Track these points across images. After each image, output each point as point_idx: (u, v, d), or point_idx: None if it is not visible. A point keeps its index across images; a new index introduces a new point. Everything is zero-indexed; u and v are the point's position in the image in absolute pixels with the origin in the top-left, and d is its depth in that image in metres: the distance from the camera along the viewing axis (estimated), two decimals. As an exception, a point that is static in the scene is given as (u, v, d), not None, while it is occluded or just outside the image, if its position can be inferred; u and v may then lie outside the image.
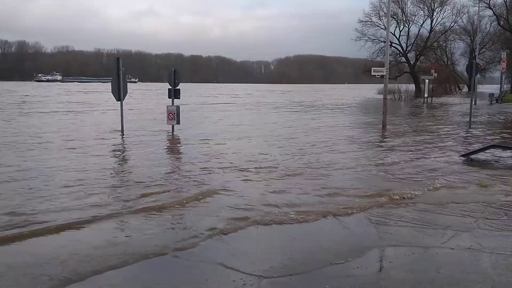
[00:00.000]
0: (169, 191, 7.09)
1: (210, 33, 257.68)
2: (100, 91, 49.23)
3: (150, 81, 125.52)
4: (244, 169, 8.92)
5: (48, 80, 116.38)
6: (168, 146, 12.79)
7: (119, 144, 12.62)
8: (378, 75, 17.35)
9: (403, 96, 44.45)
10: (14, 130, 15.23)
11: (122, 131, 14.48)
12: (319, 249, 4.82)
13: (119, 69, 13.91)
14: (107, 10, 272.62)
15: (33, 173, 8.25)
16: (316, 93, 61.50)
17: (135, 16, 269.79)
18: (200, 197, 6.69)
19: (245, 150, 11.51)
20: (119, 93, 14.06)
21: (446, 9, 51.69)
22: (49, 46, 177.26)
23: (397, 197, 6.81)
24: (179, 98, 14.95)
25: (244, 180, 8.02)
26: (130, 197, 6.67)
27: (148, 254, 4.54)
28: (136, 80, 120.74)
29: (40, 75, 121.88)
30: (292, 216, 5.82)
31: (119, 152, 11.47)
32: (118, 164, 9.96)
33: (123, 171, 9.10)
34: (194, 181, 7.85)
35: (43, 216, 5.67)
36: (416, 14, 52.09)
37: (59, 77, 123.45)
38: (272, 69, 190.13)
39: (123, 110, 14.79)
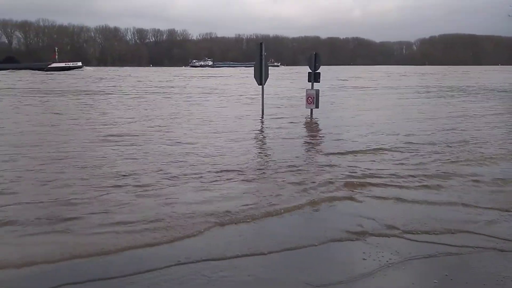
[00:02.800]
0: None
1: (347, 14, 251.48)
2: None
3: (287, 65, 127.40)
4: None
5: (201, 66, 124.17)
6: (306, 133, 12.49)
7: (258, 130, 12.80)
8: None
9: None
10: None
11: (262, 115, 14.65)
12: None
13: (261, 54, 13.98)
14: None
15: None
16: (466, 76, 56.10)
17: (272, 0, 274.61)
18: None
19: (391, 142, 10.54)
20: (261, 78, 14.16)
21: None
22: (194, 33, 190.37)
23: None
24: (319, 82, 14.62)
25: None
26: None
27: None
28: (279, 64, 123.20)
29: (194, 60, 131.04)
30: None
31: (259, 141, 11.57)
32: (261, 151, 9.98)
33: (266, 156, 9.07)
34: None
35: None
36: None
37: (210, 63, 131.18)
38: (415, 49, 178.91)
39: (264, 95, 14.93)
